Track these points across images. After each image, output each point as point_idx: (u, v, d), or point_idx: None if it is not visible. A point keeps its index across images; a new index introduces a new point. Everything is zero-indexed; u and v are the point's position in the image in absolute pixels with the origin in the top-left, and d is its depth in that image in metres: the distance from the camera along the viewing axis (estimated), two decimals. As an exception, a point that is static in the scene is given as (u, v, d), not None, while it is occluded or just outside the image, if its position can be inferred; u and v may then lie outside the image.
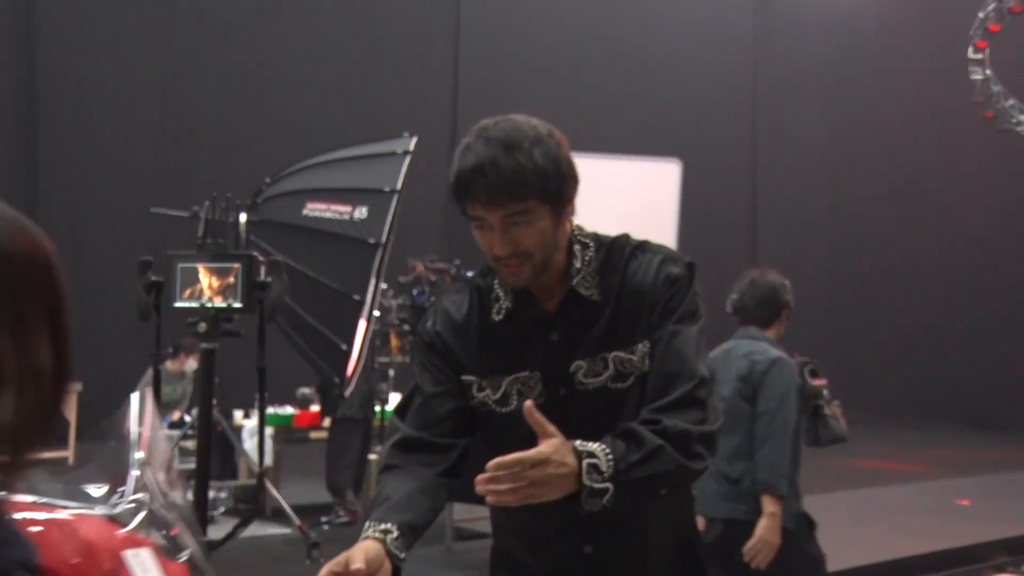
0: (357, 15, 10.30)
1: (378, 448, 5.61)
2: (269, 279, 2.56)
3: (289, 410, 6.42)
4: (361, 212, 4.30)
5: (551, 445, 1.36)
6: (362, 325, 4.47)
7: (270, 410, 6.42)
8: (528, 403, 1.38)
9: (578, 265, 1.56)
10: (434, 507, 1.48)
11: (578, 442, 1.39)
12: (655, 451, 1.41)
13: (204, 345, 1.98)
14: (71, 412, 8.07)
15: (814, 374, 3.12)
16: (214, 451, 4.83)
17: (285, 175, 4.63)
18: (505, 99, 10.50)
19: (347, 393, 4.85)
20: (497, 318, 1.57)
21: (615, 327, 1.54)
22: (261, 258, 1.89)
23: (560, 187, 1.47)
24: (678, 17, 11.33)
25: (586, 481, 1.36)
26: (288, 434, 6.34)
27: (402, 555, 1.37)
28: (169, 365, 6.94)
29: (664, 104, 11.02)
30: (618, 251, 1.57)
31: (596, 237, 1.60)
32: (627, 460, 1.39)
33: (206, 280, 1.85)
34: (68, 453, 8.01)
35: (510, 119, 1.49)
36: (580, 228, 1.59)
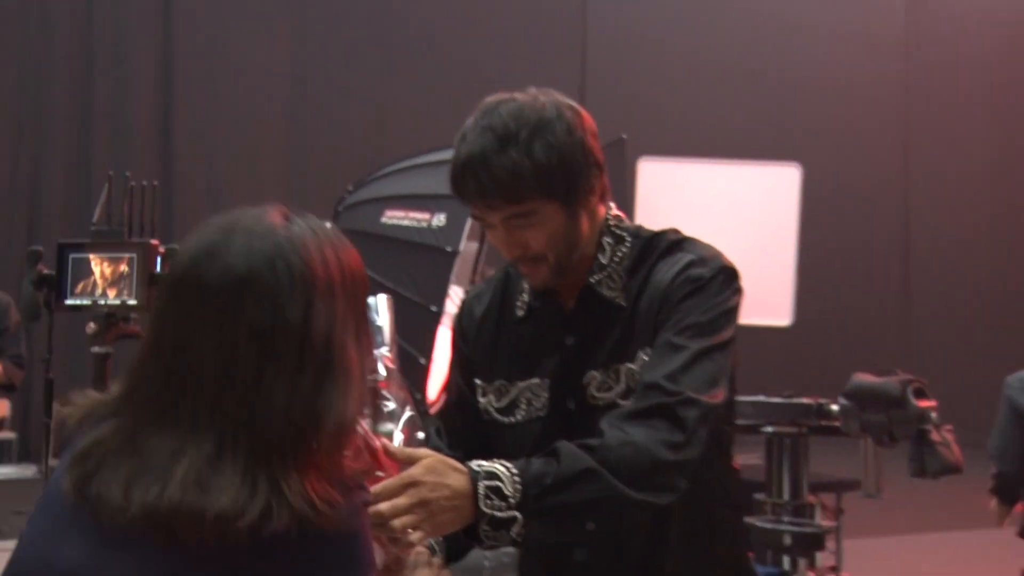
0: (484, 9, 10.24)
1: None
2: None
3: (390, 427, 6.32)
4: (439, 219, 4.17)
5: (422, 465, 1.12)
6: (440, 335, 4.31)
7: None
8: (383, 442, 1.14)
9: (603, 261, 1.38)
10: None
11: (476, 462, 1.15)
12: (581, 474, 1.15)
13: (95, 349, 1.81)
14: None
15: (920, 394, 2.74)
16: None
17: (367, 182, 4.57)
18: (631, 103, 10.29)
19: (433, 411, 4.71)
20: (519, 314, 1.43)
21: (630, 334, 1.34)
22: (161, 248, 1.68)
23: (571, 181, 1.29)
24: (823, 15, 10.80)
25: (484, 508, 1.13)
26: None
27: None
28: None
29: (804, 112, 10.49)
30: (652, 248, 1.38)
31: (638, 231, 1.40)
32: (540, 483, 1.14)
33: (99, 272, 1.67)
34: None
35: (515, 99, 1.31)
36: (620, 219, 1.41)
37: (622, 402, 1.32)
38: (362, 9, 9.86)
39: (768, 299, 6.06)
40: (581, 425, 1.31)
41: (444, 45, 9.90)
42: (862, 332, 9.91)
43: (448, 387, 1.51)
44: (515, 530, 1.14)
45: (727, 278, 1.33)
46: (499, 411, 1.41)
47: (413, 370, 4.27)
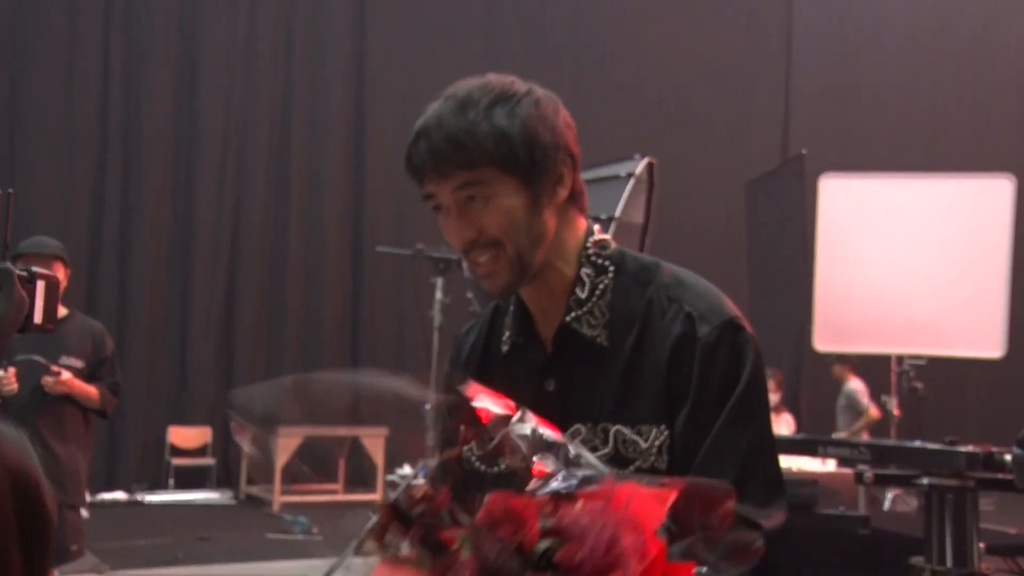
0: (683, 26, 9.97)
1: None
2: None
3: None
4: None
5: None
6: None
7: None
8: None
9: (582, 295, 1.23)
10: None
11: None
12: None
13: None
14: (379, 455, 8.48)
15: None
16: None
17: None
18: (838, 121, 9.66)
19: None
20: (504, 350, 1.30)
21: (625, 390, 1.20)
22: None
23: (533, 156, 1.17)
24: None
25: None
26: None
27: None
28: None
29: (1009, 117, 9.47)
30: (640, 284, 1.24)
31: (622, 259, 1.26)
32: None
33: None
34: (377, 495, 8.43)
35: (486, 77, 1.24)
36: (602, 244, 1.27)
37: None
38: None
39: (976, 328, 5.39)
40: None
41: (637, 67, 9.70)
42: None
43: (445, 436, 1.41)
44: None
45: (735, 336, 1.18)
46: (481, 459, 1.27)
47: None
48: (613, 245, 1.27)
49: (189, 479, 8.56)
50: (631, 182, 4.05)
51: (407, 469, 6.16)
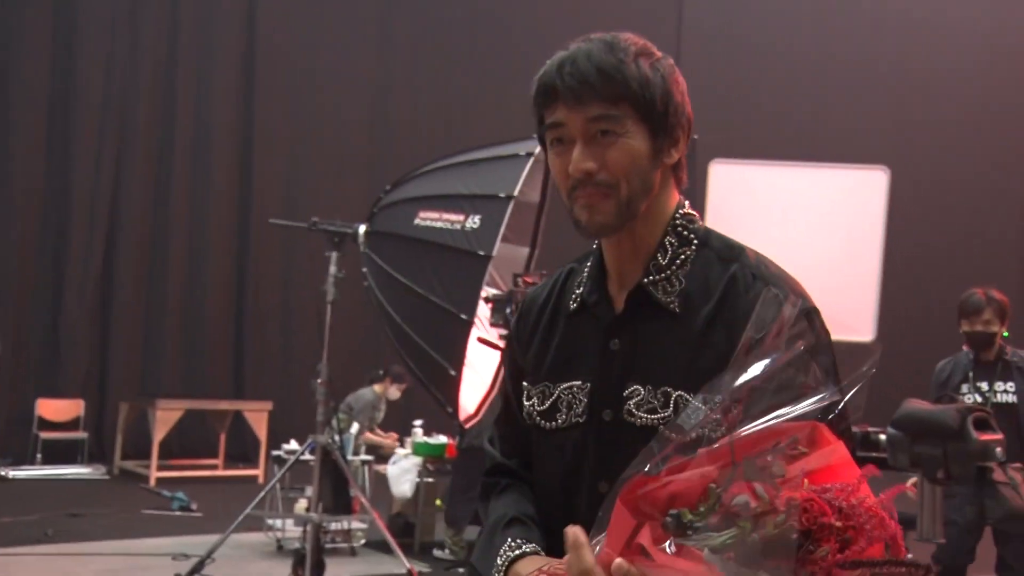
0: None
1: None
2: None
3: (442, 439, 6.15)
4: (474, 221, 3.98)
5: None
6: (476, 344, 4.11)
7: (421, 439, 6.24)
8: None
9: (662, 261, 1.25)
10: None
11: None
12: None
13: None
14: (262, 430, 8.34)
15: (983, 426, 2.36)
16: (326, 484, 4.64)
17: (405, 181, 4.39)
18: (721, 105, 9.92)
19: (470, 424, 4.51)
20: (572, 308, 1.31)
21: (695, 358, 1.21)
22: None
23: (666, 108, 1.20)
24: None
25: None
26: (441, 464, 6.07)
27: None
28: (376, 388, 7.07)
29: (907, 113, 9.91)
30: (723, 260, 1.25)
31: (707, 237, 1.28)
32: None
33: None
34: (259, 471, 8.28)
35: (625, 33, 1.25)
36: (690, 218, 1.28)
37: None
38: (450, 18, 9.77)
39: (849, 312, 5.65)
40: (615, 440, 1.23)
41: (534, 50, 9.73)
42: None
43: (503, 394, 1.41)
44: None
45: (818, 319, 1.20)
46: (541, 415, 1.30)
47: (443, 382, 4.08)
48: (701, 223, 1.29)
49: (58, 454, 8.23)
50: (530, 161, 4.09)
51: (293, 444, 6.08)
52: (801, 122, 9.98)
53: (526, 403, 1.33)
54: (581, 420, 1.26)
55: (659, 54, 1.23)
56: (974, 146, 10.24)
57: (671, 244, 1.26)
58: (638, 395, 1.23)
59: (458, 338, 3.95)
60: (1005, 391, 3.52)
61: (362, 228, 4.30)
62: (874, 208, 5.60)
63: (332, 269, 4.23)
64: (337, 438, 4.42)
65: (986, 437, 2.25)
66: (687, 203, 1.29)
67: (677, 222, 1.27)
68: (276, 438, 7.31)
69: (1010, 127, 10.37)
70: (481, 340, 4.13)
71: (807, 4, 10.54)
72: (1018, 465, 2.45)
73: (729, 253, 1.26)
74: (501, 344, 4.07)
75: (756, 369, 1.01)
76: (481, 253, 3.90)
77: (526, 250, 4.64)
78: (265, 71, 9.32)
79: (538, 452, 1.32)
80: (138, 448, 8.29)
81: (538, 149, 4.16)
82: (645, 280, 1.24)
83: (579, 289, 1.32)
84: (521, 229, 4.43)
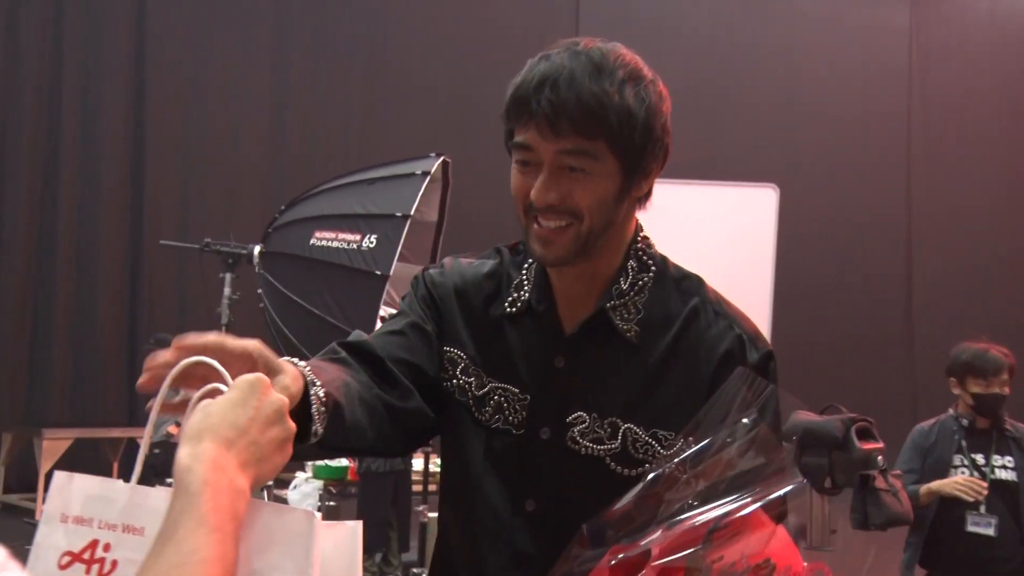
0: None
1: (421, 507, 5.15)
2: None
3: (343, 461, 6.06)
4: (370, 240, 3.95)
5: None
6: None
7: (321, 461, 6.14)
8: None
9: (623, 286, 1.21)
10: (367, 427, 1.12)
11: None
12: None
13: None
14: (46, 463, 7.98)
15: (866, 435, 2.45)
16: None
17: (300, 200, 4.34)
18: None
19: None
20: (508, 310, 1.25)
21: (648, 391, 1.18)
22: None
23: (644, 145, 1.14)
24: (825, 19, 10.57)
25: None
26: (344, 487, 5.97)
27: (317, 417, 1.01)
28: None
29: (798, 135, 10.26)
30: (682, 292, 1.23)
31: (663, 265, 1.26)
32: None
33: None
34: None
35: (614, 44, 1.19)
36: (648, 243, 1.26)
37: (611, 464, 1.17)
38: (344, 30, 9.72)
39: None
40: (552, 463, 1.19)
41: (433, 65, 9.75)
42: (858, 370, 9.56)
43: (404, 314, 1.26)
44: None
45: (773, 364, 1.22)
46: (474, 400, 1.22)
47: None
48: (656, 249, 1.26)
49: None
50: (426, 180, 4.09)
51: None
52: (692, 139, 10.25)
53: (461, 375, 1.25)
54: (517, 432, 1.22)
55: (648, 75, 1.18)
56: (860, 166, 10.66)
57: (632, 269, 1.23)
58: (582, 422, 1.20)
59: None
60: (1004, 466, 3.05)
61: (257, 249, 4.24)
62: (764, 227, 5.75)
63: (226, 291, 4.16)
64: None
65: (868, 446, 2.35)
66: (642, 227, 1.27)
67: (637, 247, 1.24)
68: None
69: (893, 145, 10.84)
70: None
71: (699, 21, 10.82)
72: (898, 472, 2.55)
73: (687, 285, 1.24)
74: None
75: (716, 439, 1.03)
76: (378, 272, 3.88)
77: (423, 269, 4.64)
78: (155, 87, 9.09)
79: (456, 435, 1.25)
80: (23, 481, 7.94)
81: (434, 168, 4.19)
82: (607, 305, 1.21)
83: (517, 293, 1.27)
84: (419, 248, 4.42)
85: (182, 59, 8.98)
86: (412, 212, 3.96)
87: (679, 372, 1.19)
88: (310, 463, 6.25)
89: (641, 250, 1.24)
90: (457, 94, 9.73)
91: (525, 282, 1.26)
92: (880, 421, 2.87)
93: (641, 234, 1.26)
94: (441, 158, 4.26)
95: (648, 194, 1.23)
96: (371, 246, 3.93)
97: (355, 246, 3.96)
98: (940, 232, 10.50)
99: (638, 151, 1.14)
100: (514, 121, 1.16)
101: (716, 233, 5.63)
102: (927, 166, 10.76)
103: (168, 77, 9.02)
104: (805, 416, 2.47)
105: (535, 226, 1.16)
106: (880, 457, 2.44)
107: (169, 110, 8.96)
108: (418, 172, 4.12)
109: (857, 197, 10.32)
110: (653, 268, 1.24)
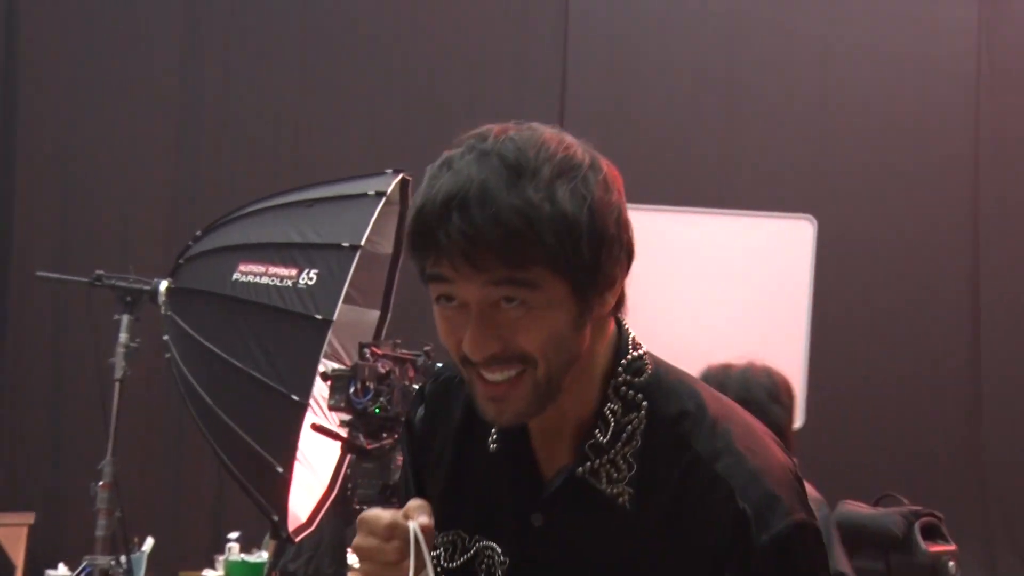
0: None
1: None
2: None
3: (264, 556, 6.03)
4: (309, 276, 3.97)
5: None
6: (310, 432, 4.07)
7: (236, 556, 6.13)
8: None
9: (603, 438, 1.17)
10: None
11: None
12: None
13: None
14: (18, 552, 7.93)
15: (933, 533, 2.47)
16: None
17: (219, 225, 4.36)
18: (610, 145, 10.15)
19: (301, 536, 4.44)
20: (492, 446, 1.25)
21: (639, 569, 1.16)
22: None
23: (596, 254, 1.11)
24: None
25: None
26: (263, 590, 5.94)
27: None
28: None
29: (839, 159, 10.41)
30: (677, 439, 1.18)
31: (655, 391, 1.21)
32: None
33: None
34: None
35: (531, 128, 1.14)
36: (637, 366, 1.21)
37: None
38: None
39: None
40: None
41: (396, 63, 9.83)
42: (916, 436, 9.58)
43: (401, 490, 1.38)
44: None
45: (803, 541, 1.15)
46: (449, 575, 1.26)
47: (267, 482, 4.01)
48: (648, 367, 1.21)
49: None
50: (380, 202, 4.11)
51: (62, 570, 5.85)
52: (712, 164, 10.35)
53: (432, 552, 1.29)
54: None
55: (584, 160, 1.13)
56: (912, 193, 10.82)
57: (612, 412, 1.19)
58: None
59: (288, 425, 3.91)
60: None
61: (163, 284, 4.24)
62: (800, 265, 5.85)
63: (122, 337, 4.15)
64: (124, 560, 4.28)
65: (937, 548, 2.37)
66: (632, 336, 1.23)
67: (619, 379, 1.20)
68: (38, 561, 6.97)
69: (953, 169, 11.01)
70: (316, 428, 4.10)
71: (716, 33, 11.00)
72: (974, 580, 2.57)
73: (685, 426, 1.19)
74: (342, 433, 4.04)
75: None
76: (319, 317, 3.88)
77: (376, 313, 4.65)
78: (30, 83, 9.07)
79: None
80: None
81: (391, 187, 4.22)
82: (579, 471, 1.18)
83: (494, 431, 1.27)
84: (369, 287, 4.44)
85: (63, 59, 8.98)
86: (362, 242, 3.96)
87: (677, 551, 1.16)
88: (222, 558, 6.25)
89: (625, 383, 1.20)
90: (419, 95, 9.80)
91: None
92: (946, 508, 2.88)
93: (626, 358, 1.21)
94: (400, 175, 4.29)
95: (620, 302, 1.21)
96: (310, 283, 3.93)
97: (290, 283, 3.96)
98: (1015, 259, 10.64)
99: (589, 265, 1.11)
100: (422, 255, 1.12)
101: (743, 271, 5.72)
102: (997, 188, 10.94)
103: (47, 80, 9.01)
104: (855, 508, 2.49)
105: (479, 382, 1.14)
106: (952, 563, 2.46)
107: (46, 115, 8.94)
108: (371, 192, 4.14)
109: (911, 223, 10.44)
110: (644, 404, 1.20)
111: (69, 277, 4.75)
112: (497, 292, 1.09)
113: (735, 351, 5.59)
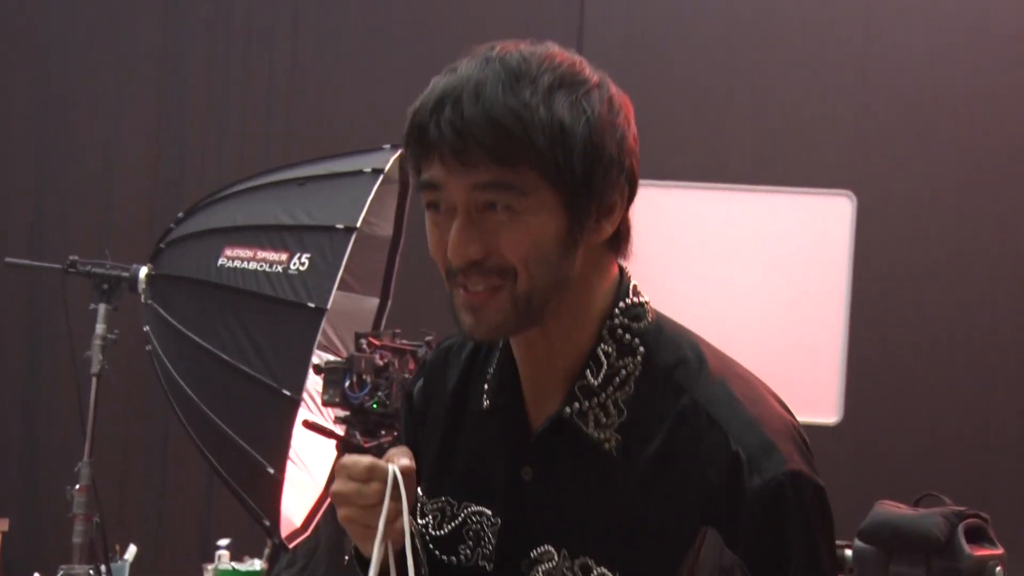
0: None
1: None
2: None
3: (256, 565, 6.08)
4: (301, 262, 3.98)
5: None
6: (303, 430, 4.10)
7: (226, 565, 6.16)
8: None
9: (594, 379, 1.22)
10: None
11: None
12: None
13: None
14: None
15: (978, 536, 2.48)
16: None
17: (203, 207, 4.38)
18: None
19: (295, 542, 4.48)
20: (484, 404, 1.31)
21: (628, 522, 1.20)
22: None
23: (590, 170, 1.16)
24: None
25: None
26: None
27: None
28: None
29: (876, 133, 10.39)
30: (673, 386, 1.22)
31: (655, 339, 1.25)
32: None
33: None
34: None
35: (545, 45, 1.21)
36: (635, 311, 1.26)
37: None
38: None
39: (807, 387, 5.84)
40: None
41: (383, 32, 9.86)
42: (963, 428, 9.56)
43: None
44: None
45: (799, 490, 1.18)
46: (438, 543, 1.32)
47: (258, 484, 4.04)
48: (650, 314, 1.26)
49: None
50: (378, 180, 4.13)
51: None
52: (744, 138, 10.34)
53: (420, 520, 1.35)
54: (488, 567, 1.28)
55: (592, 79, 1.20)
56: (959, 168, 10.80)
57: (606, 355, 1.23)
58: (549, 559, 1.23)
59: (279, 423, 3.93)
60: None
61: (143, 271, 4.25)
62: (837, 244, 5.86)
63: (99, 328, 4.16)
64: (104, 569, 4.31)
65: (982, 552, 2.39)
66: (633, 284, 1.27)
67: (615, 321, 1.24)
68: (12, 570, 7.03)
69: (1005, 142, 10.98)
70: (309, 425, 4.12)
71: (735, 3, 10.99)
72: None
73: (681, 374, 1.23)
74: (337, 430, 4.06)
75: None
76: (311, 305, 3.89)
77: (374, 301, 4.67)
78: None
79: None
80: None
81: (389, 164, 4.23)
82: (567, 410, 1.22)
83: (488, 385, 1.32)
84: (366, 273, 4.46)
85: (34, 43, 9.01)
86: (358, 223, 3.98)
87: (667, 500, 1.19)
88: (211, 567, 6.29)
89: (622, 325, 1.24)
90: (419, 68, 9.82)
91: (492, 369, 1.31)
92: (993, 508, 2.89)
93: (625, 301, 1.26)
94: (399, 151, 4.29)
95: (620, 238, 1.26)
96: (302, 269, 3.95)
97: (280, 269, 3.98)
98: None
99: (582, 178, 1.16)
100: (416, 154, 1.20)
101: (777, 251, 5.72)
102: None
103: (19, 66, 9.04)
104: (893, 509, 2.50)
105: (461, 292, 1.20)
106: (999, 568, 2.47)
107: (17, 98, 8.97)
108: (367, 170, 4.15)
109: (959, 200, 10.40)
110: (641, 349, 1.24)
111: (41, 264, 4.78)
112: (484, 196, 1.15)
113: (768, 335, 5.62)
